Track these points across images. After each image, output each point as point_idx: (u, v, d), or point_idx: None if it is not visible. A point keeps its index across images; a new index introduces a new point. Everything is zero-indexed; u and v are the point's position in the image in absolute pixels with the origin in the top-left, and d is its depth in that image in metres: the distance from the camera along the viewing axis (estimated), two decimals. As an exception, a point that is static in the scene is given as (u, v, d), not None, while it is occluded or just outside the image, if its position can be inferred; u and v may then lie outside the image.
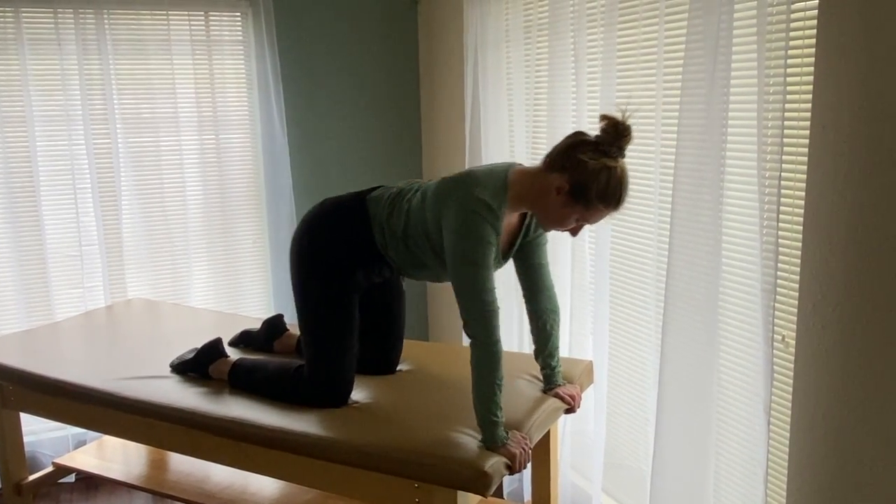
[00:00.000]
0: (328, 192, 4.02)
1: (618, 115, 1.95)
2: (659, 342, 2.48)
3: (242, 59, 3.73)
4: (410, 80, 4.13)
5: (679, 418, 2.24)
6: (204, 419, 2.32)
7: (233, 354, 2.64)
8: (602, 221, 2.55)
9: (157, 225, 3.71)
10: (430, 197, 2.12)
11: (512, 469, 2.02)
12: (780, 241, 1.93)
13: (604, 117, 1.96)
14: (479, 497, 2.14)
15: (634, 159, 2.53)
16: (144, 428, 2.46)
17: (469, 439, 2.07)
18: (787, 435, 2.02)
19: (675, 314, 2.21)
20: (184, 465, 3.00)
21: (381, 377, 2.52)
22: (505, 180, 2.03)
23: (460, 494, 2.02)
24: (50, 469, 3.07)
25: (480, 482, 1.93)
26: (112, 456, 3.13)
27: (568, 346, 2.89)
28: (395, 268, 2.31)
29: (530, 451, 2.08)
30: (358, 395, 2.38)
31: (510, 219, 2.13)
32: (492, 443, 2.02)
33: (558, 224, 2.07)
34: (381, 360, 2.53)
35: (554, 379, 2.37)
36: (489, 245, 1.98)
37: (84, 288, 3.57)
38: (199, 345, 2.63)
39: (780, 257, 1.95)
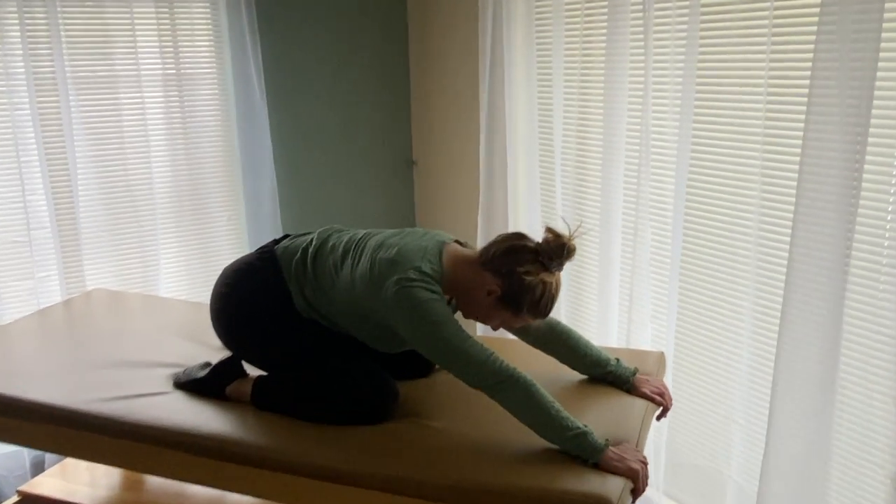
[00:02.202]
0: (312, 161, 3.65)
1: (565, 234, 1.86)
2: (755, 332, 2.22)
3: (209, 8, 3.21)
4: (405, 34, 3.69)
5: (796, 417, 1.99)
6: (242, 450, 1.92)
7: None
8: (674, 197, 2.30)
9: (118, 202, 3.18)
10: (360, 284, 1.95)
11: (636, 492, 1.71)
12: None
13: (549, 230, 1.88)
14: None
15: (734, 122, 2.21)
16: (150, 457, 2.03)
17: (574, 460, 1.75)
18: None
19: (794, 304, 1.94)
20: (160, 485, 2.59)
21: (421, 382, 2.20)
22: (439, 263, 1.93)
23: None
24: (15, 498, 2.58)
25: (609, 518, 1.62)
26: (81, 478, 2.68)
27: (626, 335, 2.59)
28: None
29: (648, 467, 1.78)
30: (409, 408, 2.04)
31: None
32: (596, 454, 1.73)
33: (480, 320, 2.01)
34: (410, 365, 2.22)
35: (622, 374, 2.09)
36: (436, 301, 1.86)
37: (35, 279, 3.04)
38: (189, 347, 2.34)
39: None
